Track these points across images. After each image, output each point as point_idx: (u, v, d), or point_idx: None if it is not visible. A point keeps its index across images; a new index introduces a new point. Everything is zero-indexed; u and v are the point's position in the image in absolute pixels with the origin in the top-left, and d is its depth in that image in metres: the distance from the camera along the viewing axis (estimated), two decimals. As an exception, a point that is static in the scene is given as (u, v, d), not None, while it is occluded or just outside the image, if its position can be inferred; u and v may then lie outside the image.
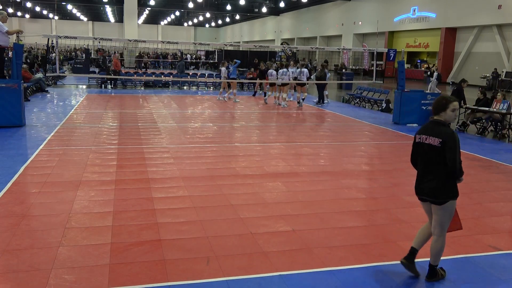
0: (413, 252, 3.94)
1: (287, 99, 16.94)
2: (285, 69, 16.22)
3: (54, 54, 25.92)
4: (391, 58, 14.49)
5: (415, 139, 3.84)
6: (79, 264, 3.96)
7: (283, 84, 16.25)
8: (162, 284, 3.70)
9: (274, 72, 16.67)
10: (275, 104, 16.91)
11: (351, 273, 4.00)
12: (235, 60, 19.35)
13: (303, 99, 16.48)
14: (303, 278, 3.89)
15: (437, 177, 3.67)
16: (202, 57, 46.63)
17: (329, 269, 4.05)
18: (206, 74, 27.64)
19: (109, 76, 21.57)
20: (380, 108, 16.24)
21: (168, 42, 13.72)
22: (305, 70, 16.39)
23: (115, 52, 28.77)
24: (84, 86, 21.88)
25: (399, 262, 4.22)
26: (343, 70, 27.05)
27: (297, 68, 16.76)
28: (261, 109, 15.86)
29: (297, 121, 13.62)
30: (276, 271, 3.98)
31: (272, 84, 16.98)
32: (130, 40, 15.16)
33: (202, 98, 18.94)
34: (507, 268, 4.21)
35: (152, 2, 43.64)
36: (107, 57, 31.82)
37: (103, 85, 22.05)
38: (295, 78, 16.26)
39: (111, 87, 21.78)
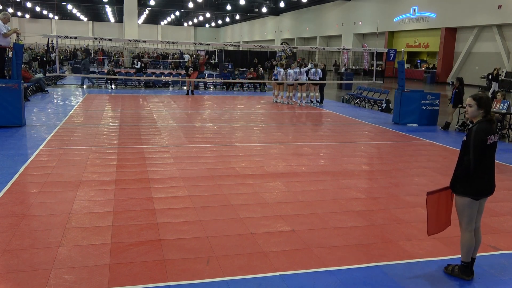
0: (473, 263, 4.01)
1: (293, 99, 17.39)
2: (303, 69, 16.92)
3: (54, 54, 26.09)
4: (391, 58, 14.46)
5: (486, 141, 3.73)
6: (79, 264, 3.97)
7: (301, 84, 16.85)
8: (162, 284, 3.70)
9: (282, 71, 16.84)
10: (283, 104, 17.03)
11: (351, 273, 4.00)
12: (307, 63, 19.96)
13: (317, 100, 17.36)
14: (303, 278, 3.89)
15: None
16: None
17: (329, 269, 4.05)
18: (206, 74, 27.64)
19: (109, 76, 21.59)
20: (380, 108, 16.25)
21: (168, 42, 13.71)
22: (319, 70, 16.91)
23: (201, 54, 34.15)
24: (84, 86, 21.88)
25: (399, 262, 4.23)
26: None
27: (299, 68, 16.98)
28: (261, 109, 15.87)
29: (297, 121, 13.62)
30: (276, 271, 3.98)
31: (280, 83, 17.16)
32: (130, 40, 15.15)
33: (202, 98, 18.94)
34: (507, 268, 4.21)
35: (152, 2, 43.61)
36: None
37: (103, 85, 22.22)
38: (309, 79, 16.78)
39: (111, 88, 21.80)
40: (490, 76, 21.99)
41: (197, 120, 12.77)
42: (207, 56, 32.34)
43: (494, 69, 22.57)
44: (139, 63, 26.79)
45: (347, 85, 24.39)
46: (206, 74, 27.66)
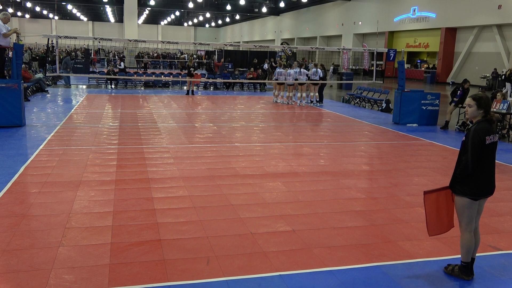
0: (473, 263, 3.99)
1: (293, 99, 17.45)
2: (303, 69, 17.09)
3: (54, 54, 26.17)
4: (391, 58, 14.47)
5: (484, 141, 3.70)
6: (79, 264, 3.97)
7: (301, 84, 16.97)
8: (162, 284, 3.70)
9: (283, 71, 16.87)
10: (283, 104, 17.05)
11: (351, 273, 4.00)
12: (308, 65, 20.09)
13: (317, 100, 17.51)
14: (303, 278, 3.89)
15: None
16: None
17: (329, 269, 4.05)
18: (206, 75, 27.61)
19: (109, 76, 21.60)
20: (380, 108, 16.25)
21: (168, 42, 13.71)
22: (319, 70, 16.99)
23: (215, 55, 35.33)
24: (84, 86, 21.89)
25: (399, 262, 4.23)
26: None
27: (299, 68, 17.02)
28: (261, 109, 15.87)
29: (297, 121, 13.61)
30: (276, 271, 3.98)
31: (280, 83, 17.18)
32: (130, 40, 15.15)
33: (202, 98, 18.94)
34: (507, 268, 4.21)
35: (152, 2, 43.63)
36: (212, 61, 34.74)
37: (103, 85, 22.22)
38: (308, 78, 16.85)
39: (111, 88, 21.81)
40: (503, 77, 22.03)
41: (197, 120, 12.77)
42: (222, 60, 32.77)
43: (508, 70, 22.59)
44: (122, 63, 26.79)
45: (347, 85, 24.39)
46: (206, 75, 27.62)
